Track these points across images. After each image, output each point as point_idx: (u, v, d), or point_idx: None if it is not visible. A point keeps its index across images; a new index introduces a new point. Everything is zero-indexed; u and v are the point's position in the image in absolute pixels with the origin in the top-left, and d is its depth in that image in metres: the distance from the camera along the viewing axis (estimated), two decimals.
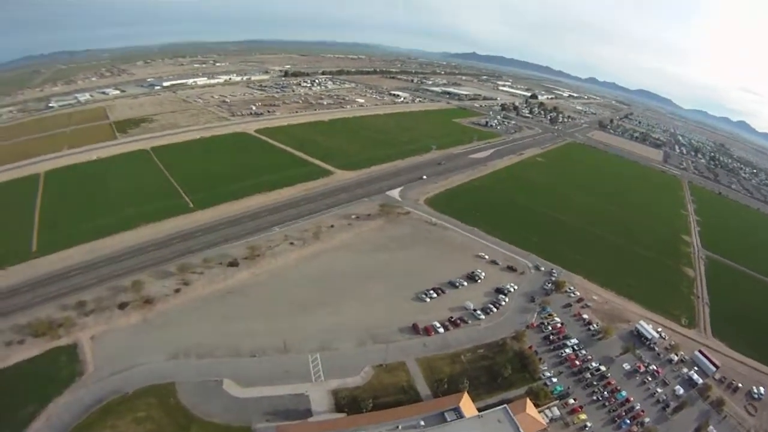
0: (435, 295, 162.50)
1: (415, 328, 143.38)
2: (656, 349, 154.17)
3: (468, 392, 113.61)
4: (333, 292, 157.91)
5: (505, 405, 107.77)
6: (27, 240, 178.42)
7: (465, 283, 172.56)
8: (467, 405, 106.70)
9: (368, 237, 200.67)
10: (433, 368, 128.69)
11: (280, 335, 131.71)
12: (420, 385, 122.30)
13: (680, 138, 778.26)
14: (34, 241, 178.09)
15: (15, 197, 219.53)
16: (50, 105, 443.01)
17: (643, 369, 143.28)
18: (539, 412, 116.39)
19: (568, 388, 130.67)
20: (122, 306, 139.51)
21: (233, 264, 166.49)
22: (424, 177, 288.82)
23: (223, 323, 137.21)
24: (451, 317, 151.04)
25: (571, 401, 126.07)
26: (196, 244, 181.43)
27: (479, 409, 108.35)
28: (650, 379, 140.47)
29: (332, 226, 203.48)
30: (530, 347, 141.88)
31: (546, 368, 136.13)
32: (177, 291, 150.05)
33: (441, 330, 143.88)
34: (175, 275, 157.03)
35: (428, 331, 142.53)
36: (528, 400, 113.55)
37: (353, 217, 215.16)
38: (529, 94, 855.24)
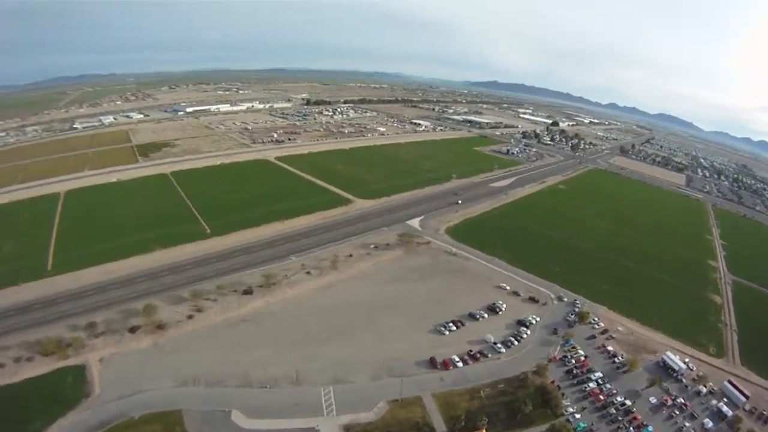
0: (454, 327, 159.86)
1: (432, 362, 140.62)
2: (684, 380, 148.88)
3: (486, 430, 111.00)
4: (349, 323, 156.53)
5: None
6: (43, 258, 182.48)
7: (485, 315, 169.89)
8: None
9: (387, 267, 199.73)
10: (450, 404, 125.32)
11: (293, 366, 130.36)
12: (436, 422, 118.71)
13: (702, 161, 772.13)
14: (50, 260, 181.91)
15: (34, 215, 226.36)
16: (74, 126, 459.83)
17: (670, 402, 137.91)
18: None
19: (592, 424, 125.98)
20: (133, 330, 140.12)
21: (248, 292, 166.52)
22: (459, 202, 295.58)
23: (234, 352, 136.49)
24: (471, 350, 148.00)
25: None
26: (211, 271, 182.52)
27: None
28: (678, 412, 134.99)
29: (350, 255, 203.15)
30: (552, 382, 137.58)
31: (569, 404, 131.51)
32: (189, 317, 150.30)
33: (459, 364, 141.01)
34: (188, 301, 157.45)
35: (446, 364, 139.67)
36: None
37: (372, 246, 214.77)
38: (550, 122, 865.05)
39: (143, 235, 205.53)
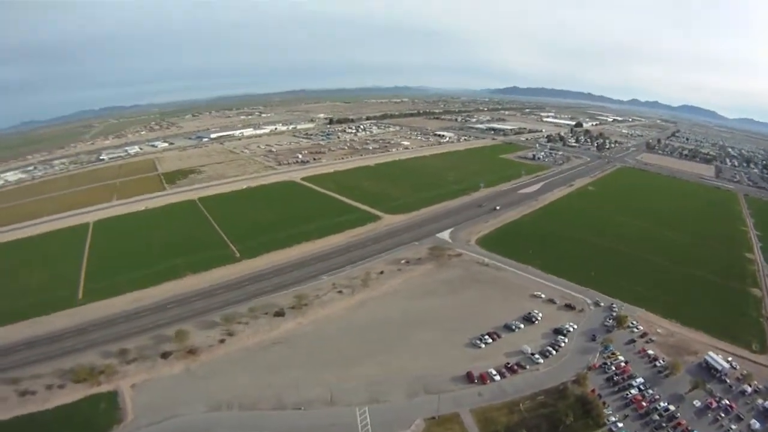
0: (490, 339, 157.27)
1: (469, 377, 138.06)
2: (728, 380, 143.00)
3: None
4: (382, 341, 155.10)
5: None
6: (74, 287, 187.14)
7: (521, 326, 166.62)
8: None
9: (419, 282, 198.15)
10: (489, 419, 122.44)
11: (327, 387, 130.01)
12: None
13: (730, 150, 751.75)
14: (81, 289, 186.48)
15: (64, 245, 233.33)
16: (101, 157, 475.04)
17: (715, 405, 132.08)
18: None
19: None
20: (165, 355, 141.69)
21: (279, 314, 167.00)
22: (497, 207, 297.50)
23: (267, 374, 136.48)
24: (508, 363, 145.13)
25: None
26: (242, 294, 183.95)
27: None
28: (723, 415, 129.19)
29: (381, 272, 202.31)
30: (593, 390, 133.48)
31: (611, 412, 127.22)
32: (221, 341, 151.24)
33: (497, 377, 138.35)
34: (220, 325, 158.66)
35: (483, 378, 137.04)
36: None
37: (403, 261, 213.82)
38: (573, 123, 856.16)
39: (173, 262, 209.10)
